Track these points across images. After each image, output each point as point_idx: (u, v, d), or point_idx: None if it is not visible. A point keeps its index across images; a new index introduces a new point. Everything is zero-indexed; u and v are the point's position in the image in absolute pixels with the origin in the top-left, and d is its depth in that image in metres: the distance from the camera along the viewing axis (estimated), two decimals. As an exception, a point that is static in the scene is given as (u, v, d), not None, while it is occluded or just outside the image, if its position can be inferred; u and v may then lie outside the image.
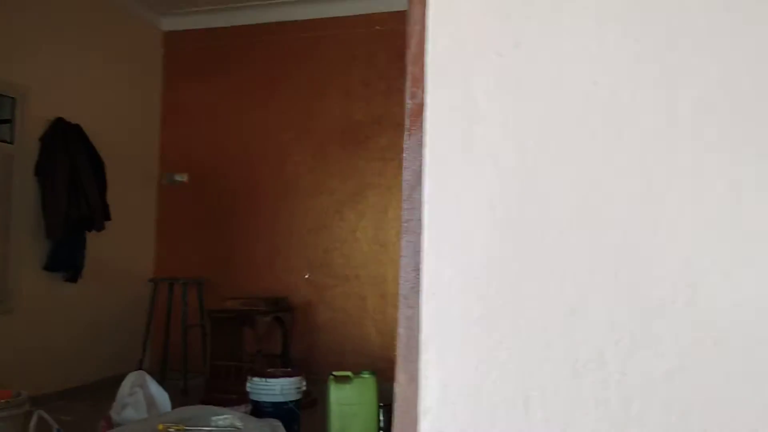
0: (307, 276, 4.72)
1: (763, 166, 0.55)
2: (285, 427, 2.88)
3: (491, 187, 0.61)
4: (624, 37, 0.59)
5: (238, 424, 2.19)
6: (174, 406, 3.06)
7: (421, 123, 0.66)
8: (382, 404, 3.23)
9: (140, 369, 4.11)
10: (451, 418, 0.59)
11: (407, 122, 0.70)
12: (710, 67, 0.57)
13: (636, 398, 0.56)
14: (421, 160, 0.65)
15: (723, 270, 0.55)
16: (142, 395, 2.91)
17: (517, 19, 0.62)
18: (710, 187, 0.56)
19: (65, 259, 4.19)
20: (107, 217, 4.40)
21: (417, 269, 0.67)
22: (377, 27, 4.60)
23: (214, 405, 2.79)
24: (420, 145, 0.66)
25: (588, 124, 0.59)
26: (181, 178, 5.14)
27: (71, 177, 4.17)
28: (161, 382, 4.03)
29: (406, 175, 0.71)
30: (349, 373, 3.26)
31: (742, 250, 0.55)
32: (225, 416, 2.23)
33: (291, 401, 3.27)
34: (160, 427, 2.18)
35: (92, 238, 4.40)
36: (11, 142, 3.98)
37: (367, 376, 3.25)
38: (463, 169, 0.62)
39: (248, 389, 3.26)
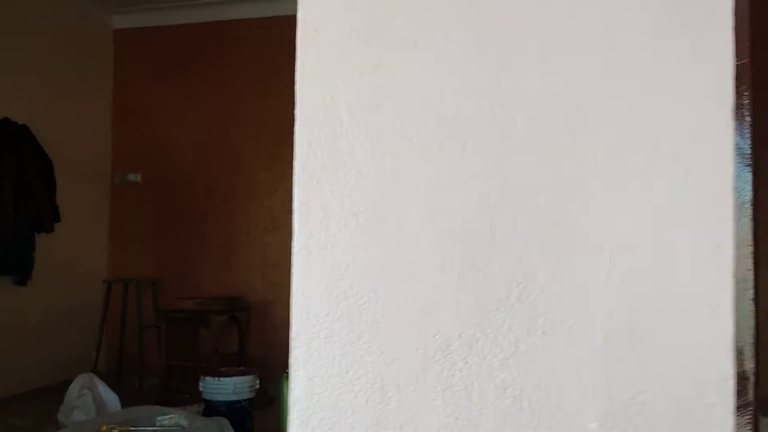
0: None
1: (584, 179, 0.62)
2: (238, 425, 2.91)
3: (354, 196, 0.67)
4: (466, 62, 0.65)
5: (184, 423, 2.21)
6: (129, 407, 3.05)
7: (302, 135, 0.71)
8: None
9: (94, 371, 4.07)
10: (316, 408, 0.65)
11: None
12: (541, 85, 0.63)
13: (476, 384, 0.63)
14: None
15: (549, 270, 0.62)
16: (90, 397, 2.91)
17: (377, 42, 0.68)
18: (538, 197, 0.63)
19: (13, 262, 4.12)
20: (57, 219, 4.34)
21: (301, 271, 0.72)
22: (329, 26, 4.62)
23: (168, 405, 2.80)
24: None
25: (437, 137, 0.66)
26: (135, 177, 5.09)
27: (18, 178, 4.10)
28: (117, 383, 4.00)
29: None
30: (302, 370, 3.30)
31: (564, 253, 0.62)
32: (171, 416, 2.26)
33: (244, 400, 3.29)
34: (104, 428, 2.19)
35: (43, 240, 4.33)
36: (-46, 144, 3.89)
37: (319, 372, 3.28)
38: (329, 180, 0.67)
39: (201, 389, 3.28)
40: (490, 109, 0.64)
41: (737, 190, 0.67)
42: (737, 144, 0.75)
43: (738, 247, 0.60)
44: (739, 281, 0.59)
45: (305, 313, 0.67)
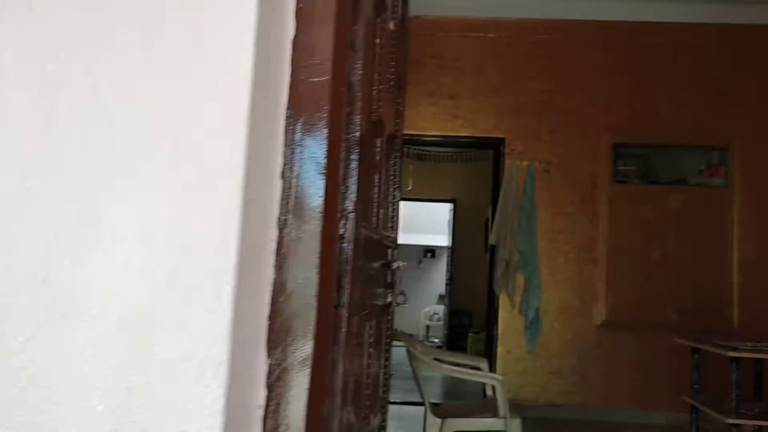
0: None
1: (116, 171, 0.65)
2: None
3: None
4: (13, 50, 0.65)
5: None
6: None
7: None
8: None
9: None
10: None
11: None
12: (82, 76, 0.65)
13: (-4, 366, 0.63)
14: None
15: (76, 256, 0.64)
16: None
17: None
18: (77, 184, 0.65)
19: None
20: None
21: None
22: None
23: None
24: None
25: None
26: None
27: None
28: None
29: None
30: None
31: (91, 240, 0.64)
32: None
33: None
34: None
35: None
36: None
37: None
38: None
39: None
40: (32, 96, 0.65)
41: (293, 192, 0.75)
42: (313, 153, 0.83)
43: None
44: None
45: None
